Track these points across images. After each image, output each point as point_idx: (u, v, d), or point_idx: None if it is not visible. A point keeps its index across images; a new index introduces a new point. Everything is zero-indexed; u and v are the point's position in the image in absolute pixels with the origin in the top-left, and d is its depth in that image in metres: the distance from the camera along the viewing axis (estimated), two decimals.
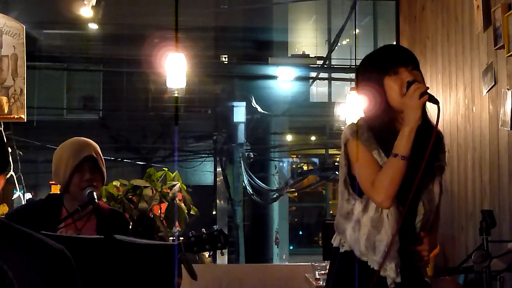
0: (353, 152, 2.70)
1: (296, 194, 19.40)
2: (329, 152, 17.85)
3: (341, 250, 2.77)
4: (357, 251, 2.71)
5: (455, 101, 4.85)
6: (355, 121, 2.77)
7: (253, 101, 16.50)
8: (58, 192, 3.41)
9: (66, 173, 3.25)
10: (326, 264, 4.67)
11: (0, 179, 1.91)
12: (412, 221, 2.71)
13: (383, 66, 2.71)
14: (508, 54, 3.84)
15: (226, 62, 18.20)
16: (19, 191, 5.59)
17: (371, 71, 2.74)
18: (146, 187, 5.44)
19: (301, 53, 18.48)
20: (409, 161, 2.61)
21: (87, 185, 3.25)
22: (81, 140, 3.36)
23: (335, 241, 2.82)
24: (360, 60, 2.85)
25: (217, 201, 17.93)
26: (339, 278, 2.80)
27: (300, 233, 19.70)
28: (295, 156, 19.52)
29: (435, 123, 2.62)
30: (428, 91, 2.62)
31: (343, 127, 2.86)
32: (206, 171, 17.86)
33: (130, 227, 3.56)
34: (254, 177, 16.71)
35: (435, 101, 2.61)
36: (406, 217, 2.66)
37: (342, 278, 2.78)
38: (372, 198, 2.65)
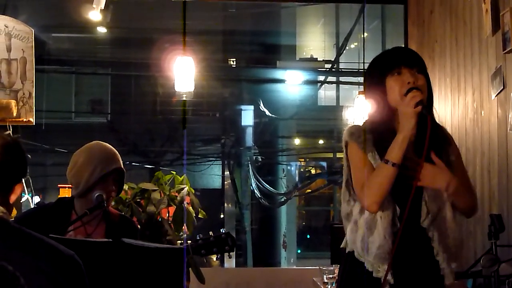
0: (351, 154, 2.73)
1: (304, 197, 19.38)
2: (337, 156, 17.82)
3: (346, 250, 2.82)
4: (356, 252, 2.75)
5: (463, 105, 4.84)
6: (355, 124, 2.83)
7: (261, 104, 16.50)
8: (67, 196, 3.42)
9: (90, 180, 3.24)
10: (334, 268, 4.66)
11: (18, 187, 1.92)
12: (417, 221, 2.70)
13: (386, 64, 2.71)
14: None
15: (234, 66, 18.20)
16: (28, 194, 5.61)
17: (375, 70, 2.76)
18: (154, 190, 5.45)
19: (309, 56, 18.48)
20: (405, 166, 2.61)
21: (108, 195, 3.26)
22: (110, 150, 3.36)
23: (343, 242, 2.86)
24: (368, 64, 2.85)
25: (225, 205, 17.93)
26: (344, 278, 2.85)
27: (308, 236, 19.67)
28: (303, 159, 19.50)
29: (429, 131, 2.59)
30: (424, 99, 2.62)
31: None
32: (214, 175, 17.87)
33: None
34: (262, 181, 16.71)
35: (427, 112, 2.61)
36: (409, 219, 2.65)
37: (347, 279, 2.83)
38: (360, 202, 2.68)
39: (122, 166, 3.36)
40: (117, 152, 3.37)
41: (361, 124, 2.82)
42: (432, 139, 2.61)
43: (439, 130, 2.77)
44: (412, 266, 2.67)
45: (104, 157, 3.29)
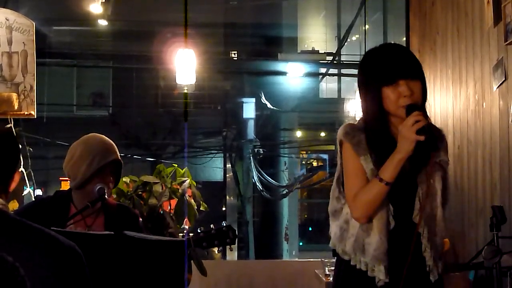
0: (345, 155, 2.71)
1: (305, 190, 19.39)
2: None
3: (336, 250, 2.80)
4: (338, 249, 2.75)
5: (465, 97, 4.84)
6: (351, 121, 2.77)
7: (263, 97, 16.50)
8: (67, 189, 3.42)
9: (87, 172, 3.24)
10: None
11: (15, 175, 1.93)
12: (409, 216, 2.69)
13: (382, 76, 2.65)
14: None
15: (236, 58, 18.20)
16: (29, 187, 5.60)
17: (369, 77, 2.71)
18: (156, 183, 5.45)
19: (311, 49, 18.46)
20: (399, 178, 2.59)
21: (106, 187, 3.25)
22: (107, 141, 3.36)
23: (331, 242, 2.83)
24: (361, 65, 2.80)
25: (227, 197, 17.96)
26: (336, 276, 2.85)
27: (310, 229, 19.69)
28: (304, 152, 19.51)
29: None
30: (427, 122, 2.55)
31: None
32: (215, 167, 17.88)
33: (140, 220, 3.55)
34: (263, 173, 16.73)
35: (432, 148, 2.60)
36: (402, 214, 2.67)
37: (337, 276, 2.84)
38: (350, 211, 2.67)
39: (119, 158, 3.37)
40: (114, 144, 3.38)
41: (356, 121, 2.78)
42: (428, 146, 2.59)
43: (436, 136, 2.67)
44: (403, 261, 2.67)
45: (101, 149, 3.29)
